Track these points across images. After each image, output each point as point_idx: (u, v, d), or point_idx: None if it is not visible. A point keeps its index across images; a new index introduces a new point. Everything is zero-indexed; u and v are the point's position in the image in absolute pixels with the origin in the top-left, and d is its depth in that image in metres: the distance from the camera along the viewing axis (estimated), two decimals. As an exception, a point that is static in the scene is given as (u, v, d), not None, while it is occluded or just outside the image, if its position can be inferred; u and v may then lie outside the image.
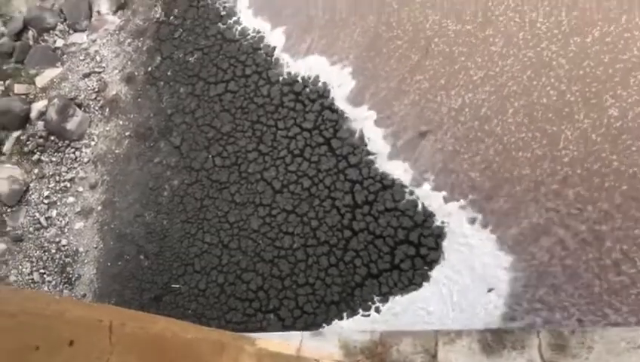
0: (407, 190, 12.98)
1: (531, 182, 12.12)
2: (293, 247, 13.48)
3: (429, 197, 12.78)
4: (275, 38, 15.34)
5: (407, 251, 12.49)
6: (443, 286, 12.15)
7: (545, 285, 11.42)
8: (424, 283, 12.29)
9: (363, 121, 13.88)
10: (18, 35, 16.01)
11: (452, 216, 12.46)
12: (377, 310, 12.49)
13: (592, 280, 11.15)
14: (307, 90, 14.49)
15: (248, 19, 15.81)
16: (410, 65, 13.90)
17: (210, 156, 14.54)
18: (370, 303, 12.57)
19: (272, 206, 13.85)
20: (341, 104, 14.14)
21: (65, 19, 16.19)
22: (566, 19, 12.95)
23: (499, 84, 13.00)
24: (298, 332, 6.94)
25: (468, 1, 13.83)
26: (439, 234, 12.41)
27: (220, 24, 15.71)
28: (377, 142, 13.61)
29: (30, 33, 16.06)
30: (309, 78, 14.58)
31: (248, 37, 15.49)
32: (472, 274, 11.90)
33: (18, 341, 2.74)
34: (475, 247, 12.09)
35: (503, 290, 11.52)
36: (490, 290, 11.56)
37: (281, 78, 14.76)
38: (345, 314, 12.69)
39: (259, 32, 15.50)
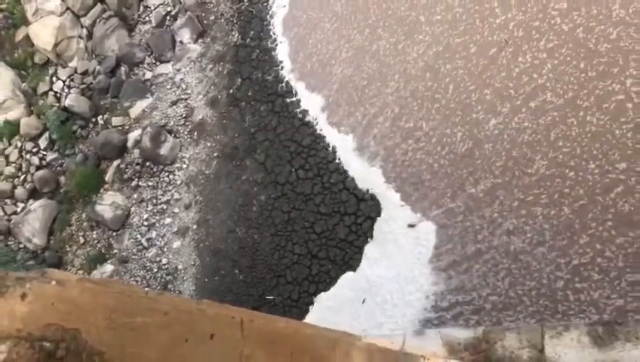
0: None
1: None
2: (381, 253, 13.63)
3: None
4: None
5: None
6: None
7: None
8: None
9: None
10: (112, 72, 17.32)
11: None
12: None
13: None
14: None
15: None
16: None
17: (293, 170, 14.99)
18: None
19: (357, 214, 14.06)
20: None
21: (151, 53, 17.32)
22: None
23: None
24: (401, 332, 6.99)
25: None
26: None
27: (293, 41, 16.24)
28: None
29: (122, 69, 17.29)
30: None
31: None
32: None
33: (171, 334, 3.13)
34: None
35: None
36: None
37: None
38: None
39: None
